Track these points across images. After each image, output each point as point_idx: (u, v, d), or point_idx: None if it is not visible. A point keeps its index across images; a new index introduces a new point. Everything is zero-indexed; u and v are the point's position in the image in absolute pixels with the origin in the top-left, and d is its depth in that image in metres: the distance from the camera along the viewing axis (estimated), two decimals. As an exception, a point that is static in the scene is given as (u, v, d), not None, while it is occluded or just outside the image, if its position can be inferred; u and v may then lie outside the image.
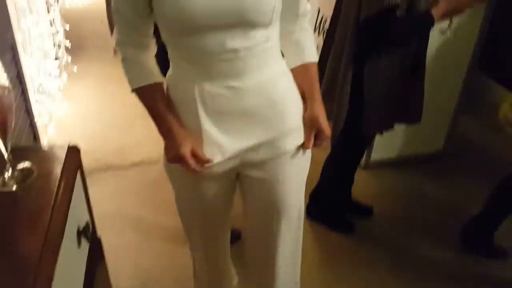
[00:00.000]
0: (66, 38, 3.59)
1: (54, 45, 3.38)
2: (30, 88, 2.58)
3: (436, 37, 2.28)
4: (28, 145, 1.04)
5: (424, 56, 1.77)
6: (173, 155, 1.12)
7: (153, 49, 1.17)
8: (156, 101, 1.13)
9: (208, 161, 1.12)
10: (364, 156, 2.57)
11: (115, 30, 1.12)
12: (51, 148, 1.15)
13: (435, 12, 1.59)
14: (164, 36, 1.10)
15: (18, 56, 2.32)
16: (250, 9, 0.99)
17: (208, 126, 1.11)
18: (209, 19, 0.98)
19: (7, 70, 2.15)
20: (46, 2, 3.27)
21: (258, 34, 1.04)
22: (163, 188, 2.47)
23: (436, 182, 2.57)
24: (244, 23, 1.01)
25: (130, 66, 1.13)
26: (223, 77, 1.07)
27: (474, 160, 2.75)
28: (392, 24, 1.57)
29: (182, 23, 1.00)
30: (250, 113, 1.11)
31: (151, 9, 1.06)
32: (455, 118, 2.63)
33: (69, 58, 3.48)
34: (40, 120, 2.70)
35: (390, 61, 1.68)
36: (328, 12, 2.83)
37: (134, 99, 1.16)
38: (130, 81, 1.13)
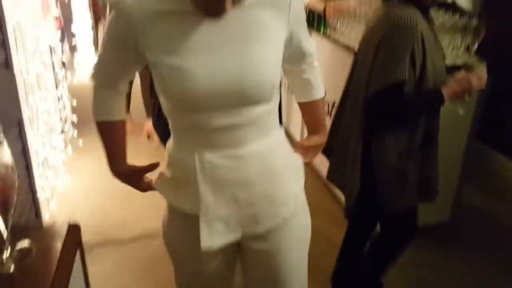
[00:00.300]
0: (73, 112, 3.67)
1: (60, 119, 3.44)
2: (35, 162, 2.59)
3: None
4: (28, 222, 1.03)
5: (436, 133, 1.72)
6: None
7: (125, 91, 1.21)
8: (111, 140, 1.22)
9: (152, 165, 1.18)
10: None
11: (94, 64, 1.16)
12: (51, 226, 1.14)
13: (445, 91, 1.57)
14: (165, 110, 1.12)
15: (24, 131, 2.35)
16: (250, 87, 1.01)
17: (207, 196, 1.09)
18: (211, 100, 1.00)
19: (13, 146, 2.18)
20: (55, 79, 3.38)
21: (259, 109, 1.06)
22: (164, 263, 2.41)
23: (444, 253, 2.50)
24: (246, 101, 1.03)
25: (98, 98, 1.18)
26: (224, 147, 1.07)
27: (481, 229, 2.70)
28: (399, 100, 1.55)
29: (183, 103, 1.02)
30: (249, 182, 1.10)
31: (132, 71, 1.14)
32: (459, 188, 2.61)
33: (75, 132, 3.54)
34: (42, 194, 2.69)
35: (398, 137, 1.65)
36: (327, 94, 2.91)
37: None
38: (94, 112, 1.19)
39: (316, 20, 3.02)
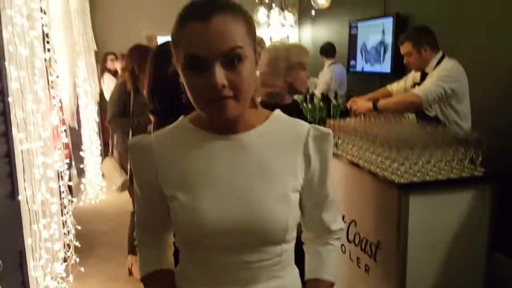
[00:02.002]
0: (77, 237, 3.60)
1: (64, 246, 3.36)
2: (34, 294, 2.48)
3: (447, 223, 2.27)
4: None
5: None
6: None
7: (170, 246, 1.18)
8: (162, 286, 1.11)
9: None
10: None
11: (136, 230, 1.16)
12: None
13: None
14: (177, 242, 1.10)
15: (25, 262, 2.28)
16: (258, 229, 0.97)
17: None
18: (218, 237, 0.97)
19: (12, 277, 2.10)
20: (61, 204, 3.36)
21: (271, 250, 1.01)
22: None
23: None
24: (255, 242, 0.99)
25: (143, 256, 1.15)
26: (230, 285, 1.02)
27: None
28: None
29: (192, 237, 1.00)
30: None
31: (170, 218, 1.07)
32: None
33: (77, 259, 3.43)
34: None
35: None
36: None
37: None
38: (140, 269, 1.15)
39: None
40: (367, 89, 3.86)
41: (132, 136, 3.44)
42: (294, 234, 1.06)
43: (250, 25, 0.95)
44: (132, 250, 3.35)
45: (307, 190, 1.05)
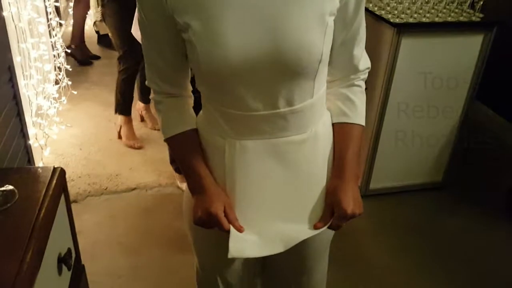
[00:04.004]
0: (67, 62, 3.60)
1: (55, 68, 3.38)
2: (28, 111, 2.56)
3: (434, 67, 2.28)
4: (12, 167, 1.01)
5: None
6: (202, 214, 0.97)
7: (190, 96, 1.07)
8: (187, 153, 1.02)
9: (239, 228, 0.98)
10: (363, 185, 2.53)
11: (147, 78, 1.03)
12: (35, 169, 1.12)
13: None
14: (199, 85, 0.99)
15: (15, 78, 2.30)
16: (289, 59, 0.86)
17: (235, 189, 1.00)
18: (245, 71, 0.87)
19: (3, 91, 2.14)
20: (49, 25, 3.28)
21: (302, 86, 0.92)
22: (157, 215, 2.44)
23: (436, 212, 2.53)
24: (285, 74, 0.89)
25: (162, 115, 1.04)
26: (260, 134, 0.95)
27: (474, 191, 2.71)
28: None
29: (215, 74, 0.89)
30: (286, 174, 0.99)
31: (184, 59, 0.96)
32: (455, 149, 2.59)
33: (69, 82, 3.48)
34: (36, 143, 2.67)
35: None
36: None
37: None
38: (162, 131, 1.04)
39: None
40: None
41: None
42: (325, 71, 0.97)
43: None
44: (119, 110, 3.05)
45: (340, 19, 0.93)
